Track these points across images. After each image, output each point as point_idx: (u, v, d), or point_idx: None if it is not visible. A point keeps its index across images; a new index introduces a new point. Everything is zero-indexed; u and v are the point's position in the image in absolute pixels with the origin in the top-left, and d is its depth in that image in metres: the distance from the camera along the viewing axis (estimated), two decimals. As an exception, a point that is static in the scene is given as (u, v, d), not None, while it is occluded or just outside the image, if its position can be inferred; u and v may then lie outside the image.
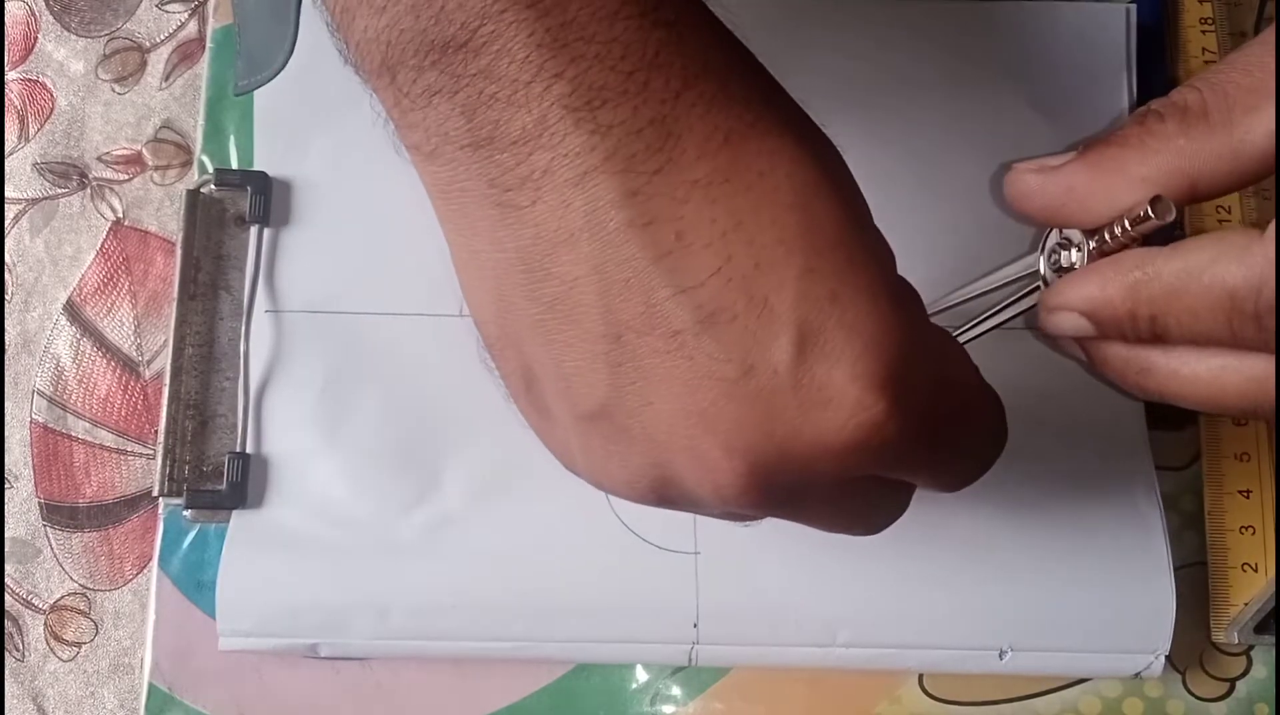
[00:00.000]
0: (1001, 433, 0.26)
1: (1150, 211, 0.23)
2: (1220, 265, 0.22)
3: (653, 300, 0.21)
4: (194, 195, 0.36)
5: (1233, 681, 0.35)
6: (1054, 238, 0.27)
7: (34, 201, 0.39)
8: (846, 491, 0.24)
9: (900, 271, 0.36)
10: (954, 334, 0.29)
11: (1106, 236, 0.25)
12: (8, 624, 0.36)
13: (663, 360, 0.22)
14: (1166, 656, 0.33)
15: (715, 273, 0.21)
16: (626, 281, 0.21)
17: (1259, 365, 0.23)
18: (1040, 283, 0.28)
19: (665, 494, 0.23)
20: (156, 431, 0.36)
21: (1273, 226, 0.21)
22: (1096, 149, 0.25)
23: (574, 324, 0.22)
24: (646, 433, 0.22)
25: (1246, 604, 0.34)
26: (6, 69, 0.40)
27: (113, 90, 0.40)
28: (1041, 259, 0.28)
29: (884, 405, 0.21)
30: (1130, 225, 0.24)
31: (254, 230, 0.36)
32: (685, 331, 0.21)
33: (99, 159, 0.39)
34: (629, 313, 0.21)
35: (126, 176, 0.39)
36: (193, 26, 0.40)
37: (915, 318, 0.23)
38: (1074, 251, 0.26)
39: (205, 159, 0.37)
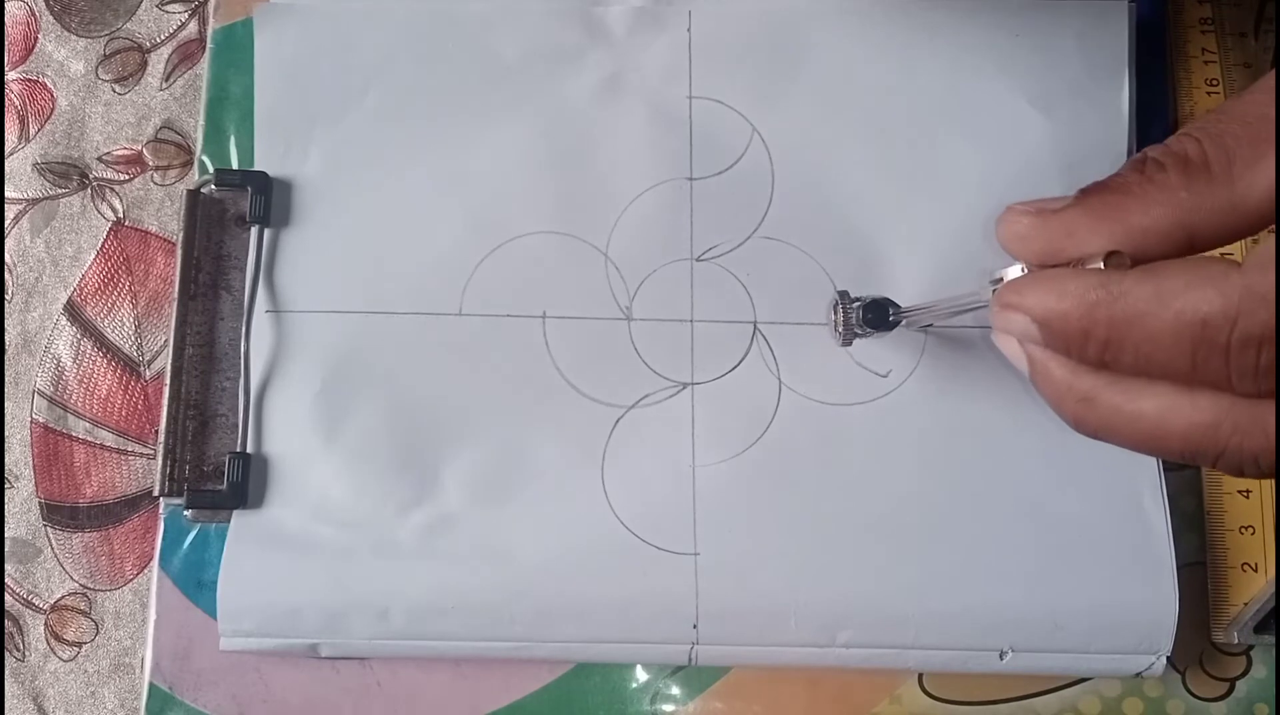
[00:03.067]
0: None
1: (1104, 265, 0.23)
2: (1194, 292, 0.21)
3: None
4: (194, 195, 0.36)
5: (1232, 681, 0.35)
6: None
7: (34, 201, 0.39)
8: None
9: (900, 269, 0.37)
10: (910, 318, 0.28)
11: None
12: (8, 624, 0.36)
13: None
14: (1167, 657, 0.33)
15: None
16: None
17: (1207, 408, 0.22)
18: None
19: None
20: (157, 431, 0.36)
21: (1255, 252, 0.21)
22: (1097, 195, 0.24)
23: None
24: None
25: (1246, 604, 0.34)
26: (6, 69, 0.40)
27: (113, 90, 0.40)
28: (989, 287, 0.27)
29: None
30: None
31: (254, 230, 0.36)
32: None
33: (99, 159, 0.39)
34: None
35: (127, 177, 0.39)
36: (193, 27, 0.40)
37: None
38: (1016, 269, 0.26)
39: (206, 159, 0.38)
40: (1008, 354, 0.25)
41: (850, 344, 0.34)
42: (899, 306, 0.32)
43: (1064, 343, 0.23)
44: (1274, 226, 0.22)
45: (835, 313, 0.33)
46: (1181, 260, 0.22)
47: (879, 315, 0.32)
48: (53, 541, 0.37)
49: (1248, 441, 0.22)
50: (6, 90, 0.40)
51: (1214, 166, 0.22)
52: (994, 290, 0.26)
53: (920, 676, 0.35)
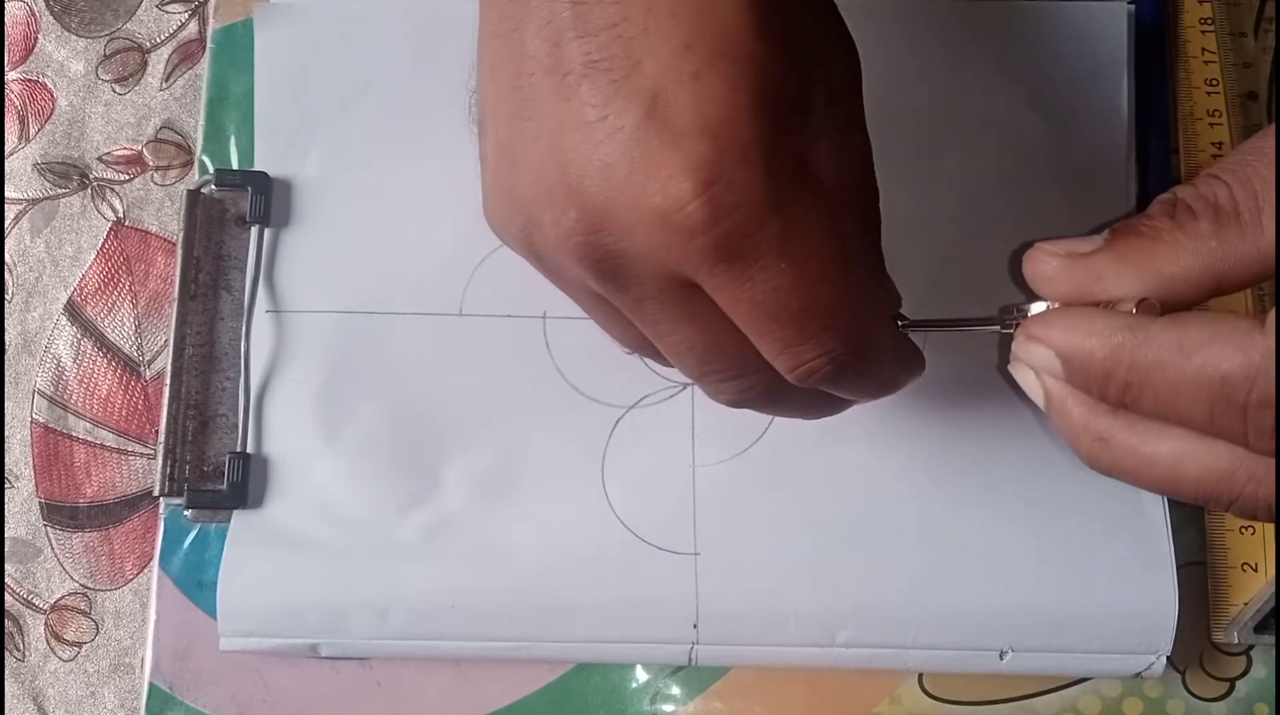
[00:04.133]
0: (863, 369, 0.26)
1: (1135, 311, 0.23)
2: (1216, 347, 0.21)
3: (559, 40, 0.24)
4: (194, 195, 0.36)
5: (1232, 681, 0.35)
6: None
7: (34, 202, 0.39)
8: (672, 296, 0.25)
9: (899, 269, 0.37)
10: (914, 329, 0.29)
11: None
12: (8, 624, 0.36)
13: (551, 99, 0.24)
14: (1167, 656, 0.33)
15: (610, 27, 0.23)
16: (547, 21, 0.24)
17: (1223, 455, 0.22)
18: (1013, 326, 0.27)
19: (532, 239, 0.25)
20: (157, 431, 0.36)
21: (1272, 316, 0.20)
22: (1127, 239, 0.24)
23: (509, 60, 0.25)
24: (528, 168, 0.24)
25: (1246, 604, 0.34)
26: (7, 69, 0.40)
27: (113, 90, 0.40)
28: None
29: (697, 203, 0.22)
30: None
31: (254, 230, 0.36)
32: (572, 73, 0.23)
33: (99, 159, 0.39)
34: (541, 50, 0.24)
35: (127, 177, 0.39)
36: (193, 27, 0.40)
37: (784, 156, 0.23)
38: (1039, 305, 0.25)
39: (206, 159, 0.38)
40: (1025, 386, 0.25)
41: None
42: (906, 318, 0.32)
43: (1085, 380, 0.23)
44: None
45: None
46: (1209, 314, 0.22)
47: None
48: (53, 541, 0.37)
49: (1262, 490, 0.22)
50: (6, 90, 0.40)
51: (1244, 214, 0.22)
52: (1013, 322, 0.26)
53: (920, 676, 0.35)
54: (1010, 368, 0.25)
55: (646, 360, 0.35)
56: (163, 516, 0.35)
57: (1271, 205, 0.22)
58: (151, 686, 0.35)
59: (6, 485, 0.37)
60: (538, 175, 0.24)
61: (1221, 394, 0.21)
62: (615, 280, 0.25)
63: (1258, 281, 0.23)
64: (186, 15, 0.40)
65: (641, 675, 0.35)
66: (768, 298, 0.24)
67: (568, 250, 0.24)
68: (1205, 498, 0.23)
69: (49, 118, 0.39)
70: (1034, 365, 0.24)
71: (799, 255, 0.24)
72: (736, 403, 0.28)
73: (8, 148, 0.39)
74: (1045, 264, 0.25)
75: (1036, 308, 0.25)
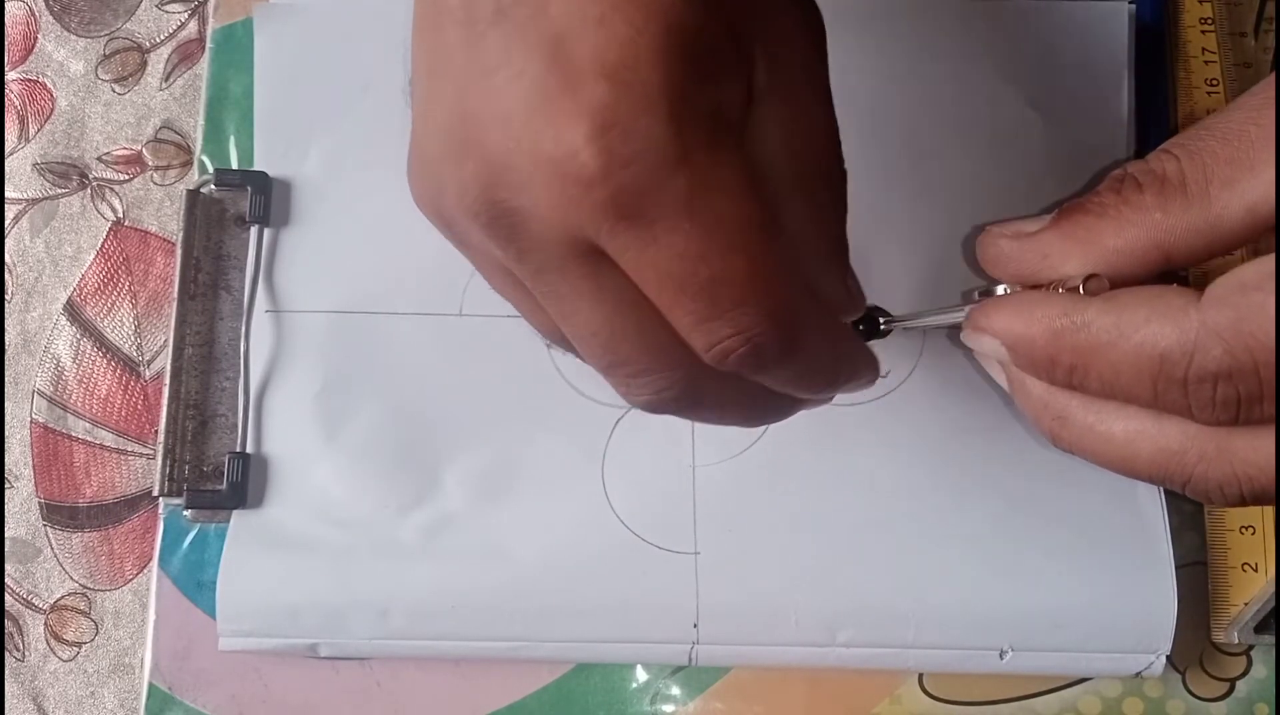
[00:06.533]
0: (786, 345, 0.23)
1: (1082, 288, 0.23)
2: (1154, 325, 0.21)
3: None
4: (194, 195, 0.36)
5: (1233, 681, 0.35)
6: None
7: (34, 202, 0.39)
8: (575, 265, 0.22)
9: (900, 272, 0.37)
10: (900, 326, 0.28)
11: None
12: (8, 624, 0.36)
13: (460, 52, 0.22)
14: (1167, 656, 0.33)
15: None
16: None
17: (1174, 435, 0.22)
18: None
19: (439, 203, 0.24)
20: (156, 431, 0.36)
21: (1213, 287, 0.21)
22: (1072, 217, 0.24)
23: (429, 17, 0.23)
24: (436, 127, 0.23)
25: (1246, 604, 0.34)
26: (6, 69, 0.40)
27: (113, 90, 0.40)
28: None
29: (590, 150, 0.21)
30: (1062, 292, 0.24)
31: (254, 230, 0.36)
32: (481, 22, 0.22)
33: (99, 159, 0.39)
34: (457, 2, 0.22)
35: (127, 177, 0.39)
36: (193, 26, 0.40)
37: (696, 107, 0.21)
38: (1001, 289, 0.25)
39: (205, 159, 0.38)
40: (989, 370, 0.26)
41: None
42: (890, 315, 0.32)
43: (1032, 366, 0.23)
44: (1248, 249, 0.22)
45: None
46: (1145, 290, 0.22)
47: (870, 326, 0.32)
48: (52, 541, 0.37)
49: (1212, 470, 0.22)
50: (6, 90, 0.40)
51: (1191, 186, 0.22)
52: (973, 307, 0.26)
53: (920, 676, 0.35)
54: (976, 354, 0.26)
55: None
56: (162, 516, 0.35)
57: (1220, 179, 0.22)
58: (151, 687, 0.35)
59: (6, 485, 0.37)
60: (444, 132, 0.23)
61: (1162, 372, 0.21)
62: (514, 243, 0.23)
63: (1208, 255, 0.23)
64: (186, 15, 0.40)
65: (641, 675, 0.35)
66: (673, 264, 0.22)
67: (464, 208, 0.23)
68: (1159, 477, 0.23)
69: (49, 118, 0.39)
70: (984, 353, 0.25)
71: (708, 217, 0.21)
72: (653, 405, 0.25)
73: (7, 148, 0.39)
74: (995, 246, 0.25)
75: (998, 292, 0.25)
